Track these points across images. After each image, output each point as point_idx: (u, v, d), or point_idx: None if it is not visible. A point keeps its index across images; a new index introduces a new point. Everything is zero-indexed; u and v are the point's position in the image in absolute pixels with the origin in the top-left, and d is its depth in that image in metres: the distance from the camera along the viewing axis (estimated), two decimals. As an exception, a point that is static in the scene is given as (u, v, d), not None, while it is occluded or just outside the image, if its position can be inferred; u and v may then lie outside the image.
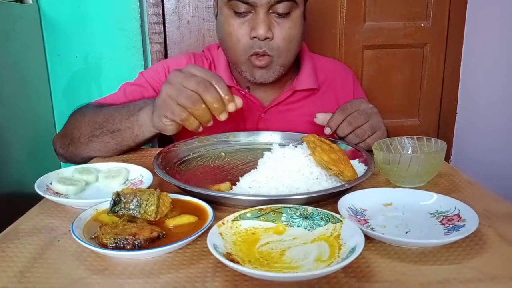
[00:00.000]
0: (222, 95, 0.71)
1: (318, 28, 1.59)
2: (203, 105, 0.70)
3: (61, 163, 1.56)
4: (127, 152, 0.91)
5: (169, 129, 0.76)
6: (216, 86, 0.71)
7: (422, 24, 1.62)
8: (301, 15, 0.99)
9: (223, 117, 0.72)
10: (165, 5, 1.53)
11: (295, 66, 1.10)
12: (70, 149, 0.93)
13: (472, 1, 1.59)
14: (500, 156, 1.49)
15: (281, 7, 0.93)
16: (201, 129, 0.75)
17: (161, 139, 1.32)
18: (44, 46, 1.50)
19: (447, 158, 1.73)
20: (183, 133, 1.07)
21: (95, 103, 1.00)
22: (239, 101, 0.73)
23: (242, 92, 1.07)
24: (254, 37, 0.94)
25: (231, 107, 0.72)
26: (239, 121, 1.08)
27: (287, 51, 0.98)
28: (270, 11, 0.94)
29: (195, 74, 0.71)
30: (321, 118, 0.89)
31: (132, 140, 0.86)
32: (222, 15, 0.98)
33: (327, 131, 0.87)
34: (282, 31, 0.95)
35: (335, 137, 0.89)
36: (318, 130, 0.99)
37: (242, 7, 0.93)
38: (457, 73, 1.67)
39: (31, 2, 1.41)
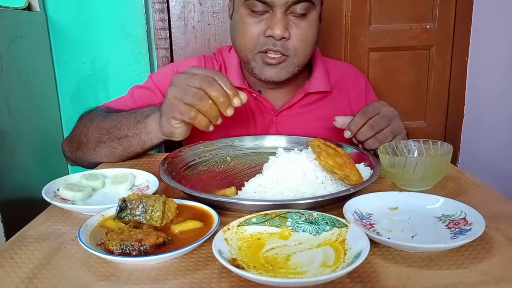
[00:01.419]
0: (226, 90, 0.71)
1: (323, 31, 1.58)
2: (210, 101, 0.71)
3: (69, 169, 1.58)
4: (134, 157, 0.92)
5: (178, 132, 0.77)
6: (219, 82, 0.72)
7: (428, 26, 1.61)
8: (317, 17, 0.99)
9: (230, 111, 0.72)
10: (170, 11, 1.54)
11: (307, 69, 1.10)
12: (77, 153, 0.94)
13: (478, 2, 1.58)
14: (508, 157, 1.48)
15: (298, 8, 0.93)
16: (211, 128, 0.75)
17: (167, 144, 1.32)
18: (51, 52, 1.51)
19: (454, 159, 1.72)
20: (190, 139, 1.07)
21: (104, 107, 1.00)
22: (243, 96, 0.73)
23: (254, 95, 1.07)
24: (269, 36, 0.94)
25: (236, 102, 0.72)
26: (250, 125, 1.07)
27: (303, 52, 0.98)
28: (288, 11, 0.94)
29: (197, 73, 0.73)
30: (340, 121, 0.88)
31: (140, 146, 0.87)
32: (238, 14, 0.98)
33: (347, 134, 0.86)
34: (299, 31, 0.95)
35: (354, 142, 0.88)
36: (330, 133, 0.99)
37: (260, 7, 0.93)
38: (464, 75, 1.66)
39: (38, 9, 1.43)
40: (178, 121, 0.75)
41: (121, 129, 0.86)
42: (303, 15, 0.95)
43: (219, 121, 0.74)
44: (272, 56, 0.97)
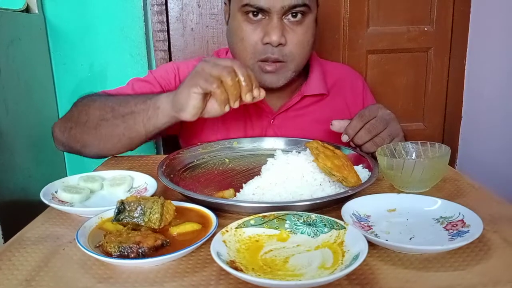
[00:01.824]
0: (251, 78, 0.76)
1: (321, 34, 1.59)
2: (236, 78, 0.74)
3: (67, 170, 1.58)
4: (133, 143, 0.87)
5: (191, 103, 0.75)
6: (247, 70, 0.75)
7: (426, 28, 1.62)
8: (314, 21, 0.99)
9: (248, 97, 0.75)
10: (169, 13, 1.54)
11: (304, 71, 1.10)
12: (71, 132, 0.90)
13: (475, 4, 1.59)
14: (506, 159, 1.48)
15: (295, 13, 0.93)
16: (227, 108, 0.76)
17: (166, 146, 1.32)
18: (50, 54, 1.51)
19: (452, 161, 1.72)
20: (188, 140, 1.07)
21: (103, 93, 0.98)
22: (262, 92, 0.77)
23: None
24: (267, 43, 0.94)
25: (256, 92, 0.76)
26: (247, 128, 1.07)
27: (300, 57, 0.98)
28: (284, 17, 0.94)
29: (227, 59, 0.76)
30: (337, 125, 0.87)
31: (143, 124, 0.83)
32: (234, 20, 0.98)
33: (345, 138, 0.85)
34: (296, 36, 0.95)
35: (351, 145, 0.88)
36: (327, 136, 0.99)
37: (256, 13, 0.94)
38: (462, 77, 1.66)
39: (37, 11, 1.43)
40: (198, 90, 0.74)
41: (127, 106, 0.84)
42: (300, 20, 0.95)
43: (236, 105, 0.76)
44: (270, 64, 0.97)
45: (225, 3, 1.06)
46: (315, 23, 1.00)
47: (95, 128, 0.86)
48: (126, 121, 0.84)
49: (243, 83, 0.74)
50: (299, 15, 0.94)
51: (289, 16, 0.94)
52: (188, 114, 0.77)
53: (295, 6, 0.92)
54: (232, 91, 0.73)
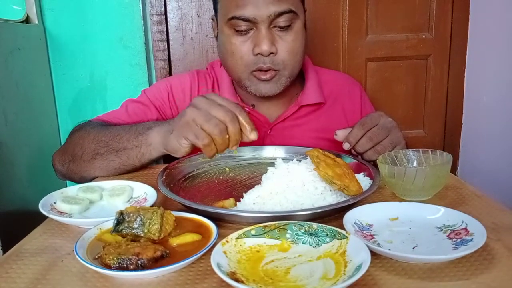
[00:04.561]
0: (246, 124, 0.72)
1: (320, 42, 1.59)
2: (227, 136, 0.71)
3: (67, 181, 1.57)
4: (129, 172, 0.90)
5: (183, 151, 0.76)
6: (239, 116, 0.71)
7: (424, 36, 1.62)
8: (302, 26, 0.99)
9: (235, 148, 0.73)
10: (168, 23, 1.54)
11: (300, 81, 1.09)
12: (70, 166, 0.92)
13: (474, 11, 1.59)
14: (507, 166, 1.47)
15: (282, 20, 0.93)
16: (215, 157, 0.74)
17: (165, 156, 1.32)
18: (49, 65, 1.52)
19: (453, 169, 1.72)
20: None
21: (97, 120, 1.00)
22: (254, 135, 0.73)
23: (247, 109, 1.06)
24: (258, 54, 0.94)
25: (253, 137, 0.73)
26: (244, 139, 1.07)
27: (292, 64, 0.98)
28: (272, 25, 0.94)
29: (221, 104, 0.72)
30: (341, 135, 0.86)
31: (138, 159, 0.86)
32: (223, 34, 0.98)
33: (346, 146, 0.85)
34: (286, 44, 0.95)
35: (353, 153, 0.87)
36: (325, 145, 0.99)
37: (243, 25, 0.93)
38: (461, 84, 1.67)
39: (36, 22, 1.43)
40: (188, 142, 0.73)
41: (120, 141, 0.86)
42: (288, 27, 0.94)
43: (222, 153, 0.74)
44: (264, 73, 0.96)
45: (212, 19, 1.06)
46: (304, 29, 1.00)
47: (89, 162, 0.88)
48: (120, 156, 0.86)
49: (236, 137, 0.71)
50: (286, 23, 0.94)
51: (277, 25, 0.94)
52: (180, 155, 0.78)
53: (281, 14, 0.92)
54: (221, 146, 0.71)
